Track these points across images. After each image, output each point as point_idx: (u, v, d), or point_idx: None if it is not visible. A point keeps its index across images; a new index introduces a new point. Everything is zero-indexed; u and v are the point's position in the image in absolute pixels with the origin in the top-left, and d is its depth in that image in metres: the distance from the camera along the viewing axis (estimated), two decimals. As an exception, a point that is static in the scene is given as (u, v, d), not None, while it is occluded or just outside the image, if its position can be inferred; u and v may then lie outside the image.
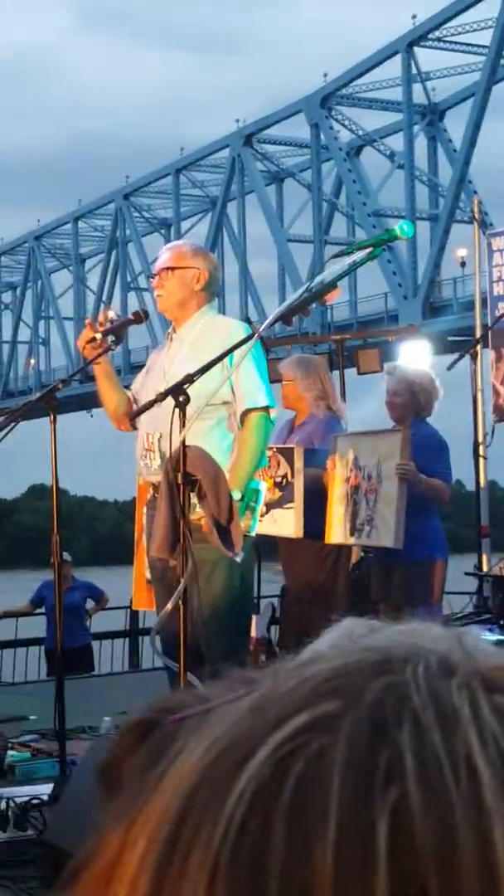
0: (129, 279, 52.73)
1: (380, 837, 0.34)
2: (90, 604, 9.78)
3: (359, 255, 3.20)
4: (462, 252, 36.39)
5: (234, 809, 0.36)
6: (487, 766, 0.36)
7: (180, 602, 3.31)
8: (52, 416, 3.87)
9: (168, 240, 51.55)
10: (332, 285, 3.25)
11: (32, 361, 58.85)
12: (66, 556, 9.92)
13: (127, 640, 10.29)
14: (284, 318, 3.27)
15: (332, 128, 44.68)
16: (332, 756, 0.36)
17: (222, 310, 45.08)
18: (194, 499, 3.66)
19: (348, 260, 3.21)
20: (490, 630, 5.61)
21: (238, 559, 3.76)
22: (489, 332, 8.29)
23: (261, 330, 3.44)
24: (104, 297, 53.30)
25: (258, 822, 0.36)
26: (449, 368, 6.80)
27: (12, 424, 3.95)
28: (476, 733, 0.36)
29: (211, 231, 49.81)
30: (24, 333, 61.36)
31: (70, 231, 58.22)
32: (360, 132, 44.92)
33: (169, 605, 3.35)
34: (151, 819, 0.38)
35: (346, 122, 44.99)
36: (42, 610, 9.38)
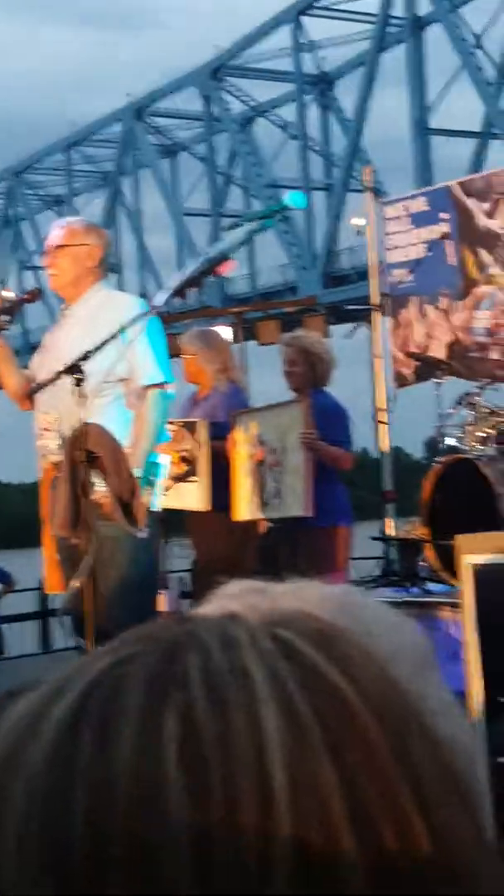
0: (24, 258, 52.12)
1: (169, 729, 0.41)
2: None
3: (250, 227, 3.21)
4: (358, 221, 36.63)
5: (49, 728, 0.42)
6: (261, 671, 0.43)
7: (86, 579, 3.30)
8: None
9: (62, 217, 51.02)
10: (224, 258, 3.26)
11: None
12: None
13: (38, 622, 10.22)
14: (179, 292, 3.27)
15: (223, 99, 44.58)
16: (131, 677, 0.43)
17: (120, 286, 44.82)
18: (96, 476, 3.64)
19: (240, 232, 3.22)
20: (397, 592, 5.70)
21: (142, 535, 3.76)
22: (386, 300, 8.37)
23: (155, 304, 3.43)
24: (0, 277, 52.60)
25: (69, 739, 0.42)
26: (347, 337, 6.86)
27: None
28: (253, 651, 0.43)
29: (106, 207, 49.41)
30: None
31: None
32: (252, 103, 44.89)
33: (75, 583, 3.34)
34: None
35: (238, 94, 44.93)
36: None
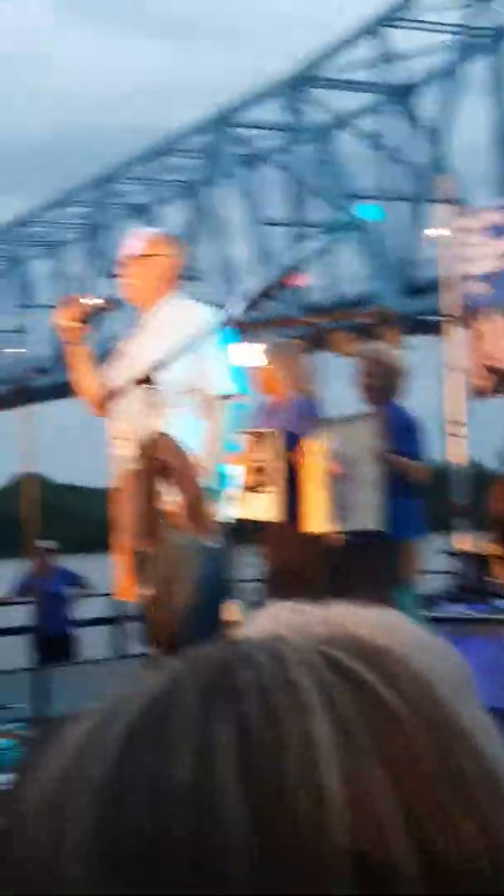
0: (106, 266, 52.58)
1: (223, 741, 0.42)
2: (73, 591, 9.80)
3: (325, 240, 3.22)
4: (436, 232, 36.39)
5: (108, 749, 0.44)
6: (312, 684, 0.44)
7: (154, 587, 3.33)
8: (24, 406, 3.89)
9: (146, 226, 51.42)
10: (298, 270, 3.27)
11: (12, 350, 58.60)
12: (48, 544, 9.96)
13: (112, 626, 10.30)
14: (253, 303, 3.29)
15: (306, 110, 44.59)
16: (185, 693, 0.44)
17: (200, 295, 44.72)
18: (166, 486, 3.68)
19: (315, 244, 3.23)
20: (465, 608, 5.65)
21: (210, 545, 3.79)
22: (463, 312, 8.31)
23: (231, 316, 3.46)
24: (84, 285, 53.15)
25: (128, 756, 0.43)
26: (415, 349, 6.82)
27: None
28: (301, 665, 0.45)
29: (188, 216, 49.71)
30: (4, 322, 61.17)
31: (48, 219, 58.01)
32: (334, 113, 44.84)
33: (143, 591, 3.38)
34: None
35: (321, 105, 44.92)
36: (25, 598, 9.38)
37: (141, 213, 53.52)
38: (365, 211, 3.36)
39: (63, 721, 0.48)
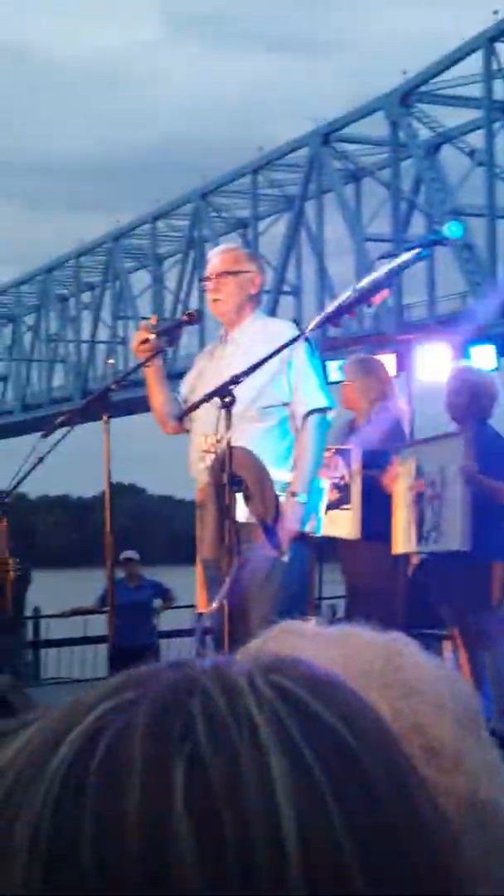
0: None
1: (177, 781, 0.40)
2: (158, 603, 9.84)
3: (406, 257, 3.19)
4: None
5: (53, 778, 0.42)
6: (264, 720, 0.42)
7: (225, 601, 3.33)
8: (105, 418, 3.91)
9: (245, 239, 51.67)
10: (379, 287, 3.24)
11: (111, 361, 59.40)
12: (133, 554, 10.02)
13: (193, 639, 10.33)
14: (332, 319, 3.26)
15: (411, 125, 44.44)
16: (134, 726, 0.42)
17: (299, 310, 45.11)
18: (242, 500, 3.67)
19: (396, 261, 3.20)
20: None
21: (285, 559, 3.77)
22: None
23: (308, 331, 3.44)
24: (182, 297, 53.61)
25: (73, 788, 0.41)
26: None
27: (67, 428, 4.00)
28: (254, 697, 0.43)
29: (288, 230, 49.84)
30: (104, 333, 62.02)
31: (148, 231, 58.66)
32: (440, 129, 44.61)
33: (214, 605, 3.37)
34: None
35: (426, 120, 44.71)
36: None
37: (240, 226, 53.85)
38: (450, 229, 3.31)
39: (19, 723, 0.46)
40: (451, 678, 0.78)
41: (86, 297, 64.76)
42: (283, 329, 4.17)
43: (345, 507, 5.74)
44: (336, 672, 0.48)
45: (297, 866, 0.40)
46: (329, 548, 6.17)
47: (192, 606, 9.98)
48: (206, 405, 3.80)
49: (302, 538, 4.00)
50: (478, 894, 0.72)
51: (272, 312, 45.05)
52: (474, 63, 41.81)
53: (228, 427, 3.50)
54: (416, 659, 0.75)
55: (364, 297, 3.29)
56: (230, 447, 3.49)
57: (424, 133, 44.86)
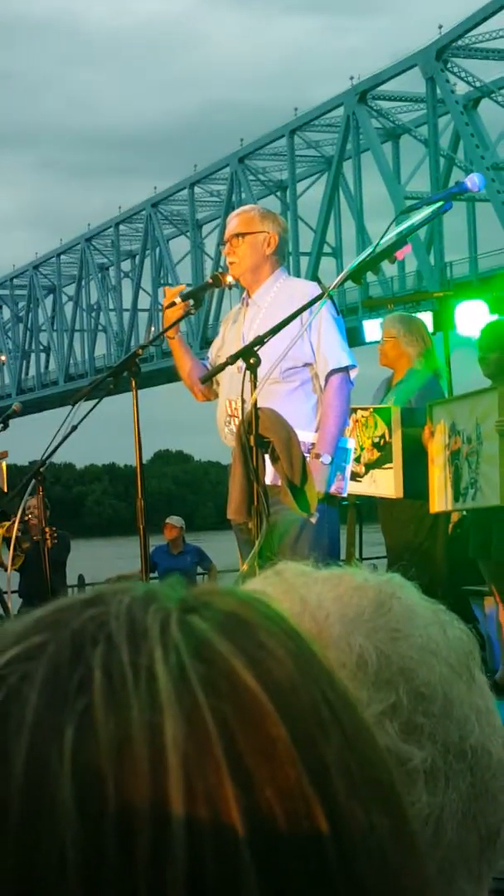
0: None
1: (66, 739, 0.39)
2: (201, 568, 9.88)
3: (429, 210, 3.14)
4: None
5: None
6: (166, 672, 0.41)
7: (255, 564, 3.32)
8: (133, 383, 3.91)
9: (284, 202, 51.37)
10: (401, 242, 3.20)
11: (153, 329, 59.47)
12: (176, 520, 10.06)
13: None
14: (354, 276, 3.23)
15: (448, 81, 43.86)
16: (33, 677, 0.41)
17: (340, 271, 44.47)
18: (269, 461, 3.66)
19: (418, 215, 3.16)
20: None
21: (313, 520, 3.76)
22: None
23: (330, 288, 3.41)
24: (222, 263, 53.45)
25: None
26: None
27: (100, 395, 4.01)
28: (161, 646, 0.42)
29: (327, 191, 49.49)
30: (145, 301, 62.08)
31: (186, 197, 58.49)
32: (477, 84, 44.00)
33: (244, 567, 3.37)
34: None
35: (463, 75, 44.11)
36: (154, 575, 9.51)
37: (279, 188, 53.52)
38: (472, 181, 3.25)
39: None
40: (444, 621, 0.77)
41: (125, 265, 64.81)
42: (304, 289, 4.13)
43: (386, 466, 5.72)
44: (267, 604, 0.46)
45: (179, 828, 0.38)
46: (369, 507, 6.14)
47: (236, 570, 10.04)
48: (229, 369, 3.78)
49: (329, 499, 3.98)
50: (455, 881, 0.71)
51: (313, 274, 44.82)
52: (511, 14, 41.13)
53: (254, 389, 3.48)
54: (408, 602, 0.74)
55: (385, 253, 3.26)
56: (256, 408, 3.47)
57: (462, 88, 44.27)
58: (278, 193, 53.49)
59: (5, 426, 6.18)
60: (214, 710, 0.40)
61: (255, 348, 3.50)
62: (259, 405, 3.48)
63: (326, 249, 50.21)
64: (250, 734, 0.41)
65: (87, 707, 0.40)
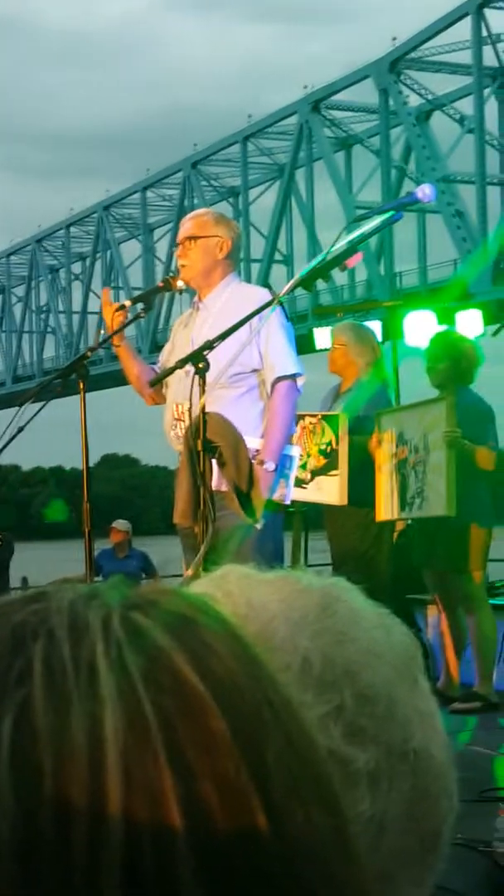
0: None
1: (4, 729, 0.40)
2: (144, 574, 9.84)
3: (380, 219, 3.16)
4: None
5: None
6: (107, 665, 0.41)
7: (200, 570, 3.31)
8: (81, 385, 3.89)
9: (236, 208, 51.41)
10: (351, 250, 3.22)
11: (102, 332, 58.97)
12: (122, 524, 10.02)
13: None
14: (304, 283, 3.24)
15: (401, 92, 44.14)
16: None
17: (291, 279, 44.61)
18: (215, 467, 3.65)
19: (369, 224, 3.17)
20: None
21: (258, 526, 3.76)
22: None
23: (280, 295, 3.41)
24: (172, 267, 53.38)
25: None
26: (495, 335, 6.71)
27: (43, 399, 3.98)
28: (102, 640, 0.42)
29: (279, 199, 49.60)
30: (94, 304, 61.78)
31: (138, 201, 58.36)
32: (430, 96, 44.33)
33: (189, 572, 3.36)
34: None
35: (416, 87, 44.42)
36: (99, 578, 9.46)
37: (231, 195, 53.56)
38: (424, 191, 3.27)
39: None
40: (387, 625, 0.77)
41: (76, 267, 64.55)
42: (255, 294, 4.12)
43: (332, 473, 5.73)
44: (212, 606, 0.46)
45: (116, 821, 0.39)
46: (316, 515, 6.16)
47: (180, 576, 10.00)
48: (178, 373, 3.77)
49: (275, 505, 3.98)
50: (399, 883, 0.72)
51: (264, 281, 44.87)
52: (464, 29, 41.52)
53: (202, 394, 3.47)
54: (352, 605, 0.75)
55: (336, 260, 3.27)
56: (204, 413, 3.46)
57: (414, 100, 44.59)
58: (230, 199, 53.53)
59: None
60: (155, 703, 0.41)
61: (205, 353, 3.50)
62: (206, 410, 3.48)
63: (278, 256, 50.33)
64: (190, 727, 0.41)
65: (26, 698, 0.40)
